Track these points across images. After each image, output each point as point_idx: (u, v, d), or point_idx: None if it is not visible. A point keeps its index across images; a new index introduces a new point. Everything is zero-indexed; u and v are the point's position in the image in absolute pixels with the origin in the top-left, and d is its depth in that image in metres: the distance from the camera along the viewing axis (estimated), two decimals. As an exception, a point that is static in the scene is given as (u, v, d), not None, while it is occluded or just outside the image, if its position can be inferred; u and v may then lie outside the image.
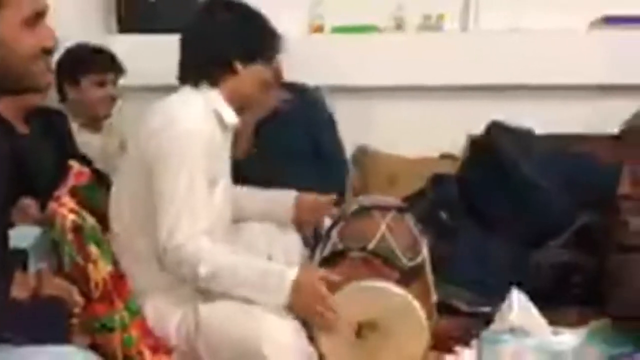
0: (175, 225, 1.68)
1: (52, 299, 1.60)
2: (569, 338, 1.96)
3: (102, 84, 2.49)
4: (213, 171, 1.79)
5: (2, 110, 2.12)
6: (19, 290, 1.51)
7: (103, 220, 1.82)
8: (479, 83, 2.81)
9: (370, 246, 1.83)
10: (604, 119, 2.58)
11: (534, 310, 2.00)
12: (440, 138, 2.83)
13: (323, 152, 2.62)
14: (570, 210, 2.32)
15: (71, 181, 1.81)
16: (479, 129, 2.62)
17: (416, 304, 1.71)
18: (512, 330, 1.96)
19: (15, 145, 2.03)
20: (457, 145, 2.82)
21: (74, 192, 1.80)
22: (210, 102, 1.82)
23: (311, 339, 1.71)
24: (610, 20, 2.77)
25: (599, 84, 2.78)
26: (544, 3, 2.78)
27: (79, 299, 1.65)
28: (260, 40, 1.87)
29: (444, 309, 2.08)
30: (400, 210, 2.02)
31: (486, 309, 2.09)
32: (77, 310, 1.65)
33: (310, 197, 2.09)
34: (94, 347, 1.64)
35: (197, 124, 1.76)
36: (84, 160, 2.18)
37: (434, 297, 1.92)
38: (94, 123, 2.56)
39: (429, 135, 2.82)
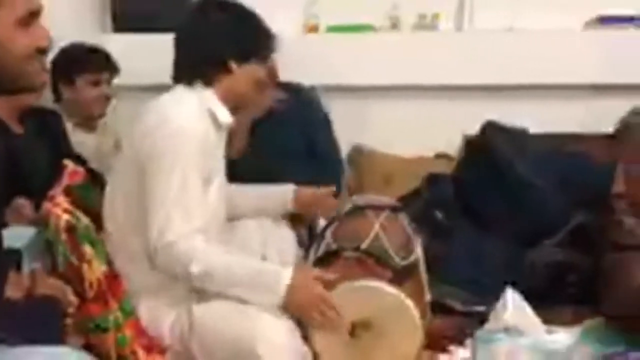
0: (167, 224, 1.67)
1: (46, 299, 1.60)
2: (563, 337, 1.97)
3: (96, 84, 2.49)
4: (207, 170, 1.79)
5: (-4, 110, 2.13)
6: (13, 290, 1.52)
7: (97, 219, 1.82)
8: (474, 83, 2.81)
9: (364, 246, 1.83)
10: (599, 118, 2.59)
11: (528, 310, 2.01)
12: (435, 138, 2.83)
13: (318, 151, 2.61)
14: (565, 210, 2.32)
15: (65, 181, 1.81)
16: (474, 128, 2.62)
17: (409, 303, 1.71)
18: (507, 330, 1.97)
19: (10, 145, 2.04)
20: (452, 144, 2.82)
21: (68, 192, 1.79)
22: (204, 101, 1.82)
23: (305, 338, 1.71)
24: (605, 20, 2.78)
25: (594, 84, 2.79)
26: (538, 3, 2.78)
27: (73, 299, 1.65)
28: (254, 39, 1.87)
29: (439, 308, 2.08)
30: (394, 209, 2.02)
31: (481, 308, 2.10)
32: (71, 310, 1.65)
33: (309, 190, 2.10)
34: (88, 347, 1.65)
35: (191, 122, 1.76)
36: (79, 159, 2.17)
37: (428, 296, 1.92)
38: (89, 122, 2.56)
39: (424, 135, 2.82)
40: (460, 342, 2.01)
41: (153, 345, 1.74)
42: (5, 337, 1.29)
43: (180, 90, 1.84)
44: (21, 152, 2.10)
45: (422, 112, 2.87)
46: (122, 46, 2.66)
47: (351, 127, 2.81)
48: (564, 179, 2.37)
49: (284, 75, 2.64)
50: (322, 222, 2.09)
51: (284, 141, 2.54)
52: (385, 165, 2.78)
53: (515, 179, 2.38)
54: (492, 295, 2.05)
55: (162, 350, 1.75)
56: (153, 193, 1.71)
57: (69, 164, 1.89)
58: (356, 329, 1.72)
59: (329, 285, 1.71)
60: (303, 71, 2.72)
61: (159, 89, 1.89)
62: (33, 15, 1.28)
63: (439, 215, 2.42)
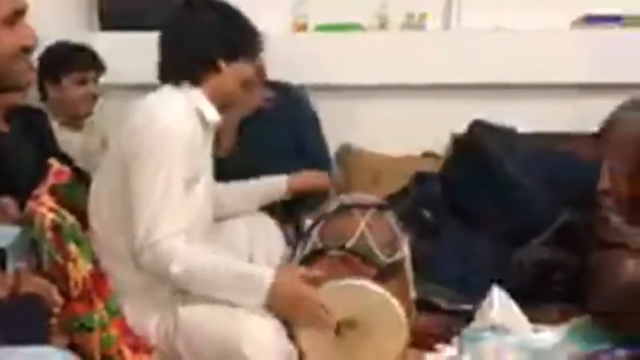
0: (153, 223, 1.67)
1: (31, 298, 1.59)
2: (549, 335, 1.98)
3: (83, 82, 2.48)
4: (194, 169, 1.78)
5: (-18, 109, 2.11)
6: (-3, 290, 1.51)
7: (83, 218, 1.81)
8: (462, 82, 2.82)
9: (349, 244, 1.84)
10: (586, 117, 2.60)
11: (514, 308, 2.02)
12: (423, 137, 2.84)
13: (306, 150, 2.62)
14: (552, 208, 2.33)
15: (51, 180, 1.80)
16: (462, 127, 2.63)
17: (394, 301, 1.71)
18: (493, 328, 1.97)
19: (-5, 144, 2.03)
20: (440, 143, 2.82)
21: (53, 191, 1.78)
22: (191, 100, 1.82)
23: (291, 337, 1.71)
24: (592, 20, 2.79)
25: (581, 83, 2.80)
26: (525, 2, 2.79)
27: (58, 298, 1.64)
28: (242, 38, 1.87)
29: (425, 306, 2.09)
30: (380, 208, 2.02)
31: (467, 307, 2.10)
32: (56, 309, 1.64)
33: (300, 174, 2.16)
34: (72, 347, 1.63)
35: (178, 122, 1.75)
36: (65, 158, 2.17)
37: (413, 294, 1.93)
38: (75, 121, 2.55)
39: (412, 134, 2.83)
40: (447, 341, 2.01)
41: (139, 345, 1.73)
42: (-11, 337, 1.29)
43: (168, 90, 1.83)
44: (7, 150, 2.09)
45: (410, 111, 2.88)
46: (109, 45, 2.65)
47: (339, 126, 2.81)
48: (552, 178, 2.38)
49: (273, 74, 2.64)
50: (308, 222, 2.09)
51: (272, 140, 2.54)
52: (373, 164, 2.79)
53: (503, 178, 2.39)
54: (479, 294, 2.06)
55: (149, 350, 1.74)
56: (139, 192, 1.71)
57: (55, 163, 1.88)
58: (341, 328, 1.73)
59: (314, 283, 1.71)
60: (291, 70, 2.72)
61: (146, 87, 1.88)
62: (18, 14, 1.28)
63: (426, 213, 2.42)
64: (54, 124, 2.46)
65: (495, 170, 2.39)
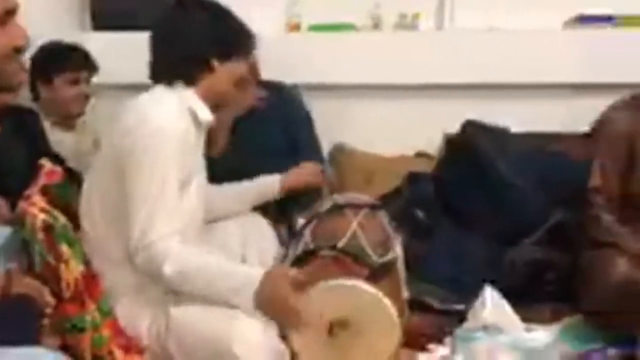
0: (149, 224, 1.67)
1: (22, 299, 1.59)
2: (542, 335, 1.98)
3: (75, 82, 2.47)
4: (186, 170, 1.78)
5: (-27, 109, 2.10)
6: (-12, 291, 1.50)
7: (75, 219, 1.81)
8: (455, 82, 2.82)
9: (341, 244, 1.84)
10: (579, 117, 2.60)
11: (507, 308, 2.02)
12: (416, 136, 2.84)
13: (300, 149, 2.61)
14: (544, 208, 2.34)
15: (42, 180, 1.79)
16: (454, 127, 2.63)
17: (387, 301, 1.71)
18: (486, 328, 1.98)
19: (-14, 144, 2.02)
20: (433, 143, 2.83)
21: (45, 191, 1.78)
22: (184, 100, 1.81)
23: (283, 337, 1.70)
24: (584, 20, 2.80)
25: (574, 83, 2.80)
26: (518, 2, 2.79)
27: (50, 299, 1.64)
28: (234, 36, 1.87)
29: (418, 306, 2.10)
30: (373, 207, 2.02)
31: (460, 307, 2.11)
32: (48, 310, 1.64)
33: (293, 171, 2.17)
34: (64, 348, 1.63)
35: (171, 122, 1.75)
36: (57, 159, 2.16)
37: (405, 294, 1.93)
38: (67, 121, 2.54)
39: (405, 134, 2.83)
40: (440, 341, 2.02)
41: (131, 345, 1.73)
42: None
43: (160, 90, 1.83)
44: (-2, 151, 2.09)
45: (403, 111, 2.88)
46: (101, 44, 2.64)
47: (332, 126, 2.81)
48: (544, 177, 2.38)
49: (266, 74, 2.64)
50: (300, 221, 2.09)
51: (265, 139, 2.54)
52: (366, 164, 2.79)
53: (495, 178, 2.39)
54: (472, 294, 2.06)
55: (141, 350, 1.74)
56: (133, 193, 1.70)
57: (46, 164, 1.87)
58: (334, 328, 1.72)
59: (306, 284, 1.71)
60: (285, 70, 2.71)
61: (139, 87, 1.88)
62: (9, 13, 1.28)
63: (419, 214, 2.43)
64: (46, 124, 2.45)
65: (487, 170, 2.39)
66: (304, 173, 2.23)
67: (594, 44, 2.75)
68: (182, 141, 1.75)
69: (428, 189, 2.50)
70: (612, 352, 1.89)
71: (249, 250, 2.05)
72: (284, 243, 2.15)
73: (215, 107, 1.89)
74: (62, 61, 2.46)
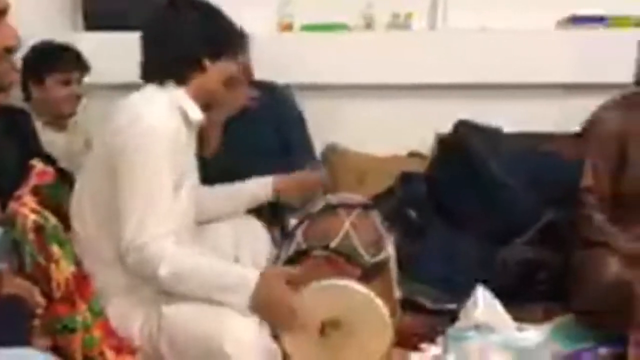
0: (141, 225, 1.66)
1: (13, 299, 1.58)
2: (533, 334, 1.99)
3: (66, 83, 2.46)
4: (178, 170, 1.78)
5: (-36, 109, 2.09)
6: (-21, 291, 1.50)
7: (66, 219, 1.81)
8: (448, 82, 2.82)
9: (333, 244, 1.84)
10: (571, 117, 2.60)
11: (499, 307, 2.03)
12: (408, 136, 2.84)
13: (292, 149, 2.62)
14: (536, 208, 2.35)
15: (33, 180, 1.79)
16: (447, 127, 2.64)
17: (379, 301, 1.71)
18: (477, 327, 1.99)
19: (-23, 145, 2.02)
20: (425, 143, 2.83)
21: (36, 192, 1.78)
22: (175, 99, 1.81)
23: (275, 337, 1.70)
24: (577, 20, 2.81)
25: (566, 83, 2.81)
26: (511, 2, 2.80)
27: (40, 299, 1.63)
28: (226, 36, 1.87)
29: (410, 306, 2.10)
30: (365, 207, 2.03)
31: (452, 306, 2.11)
32: (39, 311, 1.63)
33: (285, 176, 2.12)
34: (55, 348, 1.63)
35: (162, 121, 1.75)
36: (48, 159, 2.15)
37: (398, 294, 1.93)
38: (59, 122, 2.53)
39: (398, 134, 2.84)
40: (432, 340, 2.02)
41: (123, 346, 1.72)
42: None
43: (151, 89, 1.83)
44: (-11, 151, 2.08)
45: (396, 111, 2.88)
46: (93, 44, 2.64)
47: (325, 126, 2.81)
48: (536, 177, 2.39)
49: (259, 74, 2.64)
50: (293, 221, 2.09)
51: (257, 139, 2.54)
52: (358, 164, 2.79)
53: (487, 178, 2.40)
54: (464, 293, 2.07)
55: (133, 351, 1.73)
56: (125, 193, 1.69)
57: (37, 164, 1.87)
58: (326, 328, 1.72)
59: (300, 283, 1.71)
60: (277, 70, 2.72)
61: (130, 87, 1.87)
62: (0, 14, 1.27)
63: (412, 213, 2.43)
64: (38, 124, 2.44)
65: (479, 170, 2.40)
66: (300, 183, 2.17)
67: (586, 44, 2.76)
68: (173, 140, 1.75)
69: (420, 188, 2.51)
70: (603, 351, 1.90)
71: (241, 251, 2.05)
72: (277, 244, 2.15)
73: (206, 106, 1.88)
74: (54, 61, 2.45)
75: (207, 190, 2.04)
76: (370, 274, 1.86)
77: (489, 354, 1.92)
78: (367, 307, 1.72)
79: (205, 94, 1.86)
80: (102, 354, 1.65)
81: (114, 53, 2.51)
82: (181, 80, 1.82)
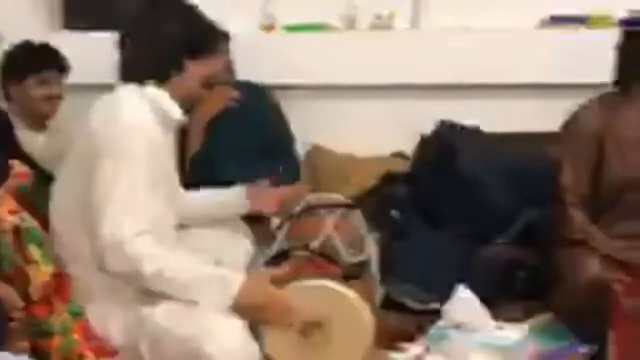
0: (118, 223, 1.64)
1: (-10, 301, 1.57)
2: (513, 333, 2.00)
3: (45, 83, 2.44)
4: (156, 170, 1.76)
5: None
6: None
7: (45, 220, 1.79)
8: (430, 82, 2.83)
9: (315, 245, 1.84)
10: (553, 117, 2.62)
11: (479, 306, 2.04)
12: (391, 137, 2.84)
13: (274, 150, 2.62)
14: (516, 207, 2.36)
15: (11, 181, 1.78)
16: (429, 127, 2.64)
17: (360, 301, 1.72)
18: (458, 326, 1.99)
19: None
20: (408, 143, 2.83)
21: (14, 193, 1.77)
22: (155, 99, 1.80)
23: (256, 338, 1.70)
24: (558, 20, 2.82)
25: (548, 83, 2.82)
26: (493, 3, 2.81)
27: (19, 301, 1.62)
28: (205, 34, 1.86)
29: (392, 305, 2.10)
30: (347, 208, 2.03)
31: (433, 306, 2.12)
32: (17, 313, 1.62)
33: (258, 187, 2.09)
34: (34, 350, 1.62)
35: (141, 120, 1.74)
36: (28, 160, 2.14)
37: (379, 294, 1.93)
38: (38, 122, 2.50)
39: (381, 134, 2.84)
40: (413, 340, 2.03)
41: (103, 348, 1.71)
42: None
43: (129, 89, 1.82)
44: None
45: (379, 111, 2.89)
46: (73, 44, 2.62)
47: (308, 127, 2.81)
48: (516, 177, 2.41)
49: (241, 75, 2.65)
50: (275, 222, 2.09)
51: (239, 140, 2.54)
52: (342, 164, 2.79)
53: (468, 178, 2.41)
54: (445, 293, 2.08)
55: (113, 353, 1.73)
56: (102, 191, 1.68)
57: (16, 165, 1.86)
58: (307, 329, 1.72)
59: (282, 283, 1.71)
60: (260, 71, 2.72)
61: (111, 87, 1.86)
62: None
63: (394, 214, 2.43)
64: (17, 125, 2.43)
65: (460, 170, 2.41)
66: (279, 199, 2.10)
67: (569, 44, 2.77)
68: (150, 140, 1.74)
69: (403, 189, 2.51)
70: (582, 350, 1.91)
71: (223, 251, 2.04)
72: (259, 245, 2.14)
73: (186, 106, 1.87)
74: (33, 61, 2.43)
75: (184, 195, 2.03)
76: (351, 275, 1.87)
77: (469, 353, 1.92)
78: (348, 307, 1.72)
79: (185, 93, 1.85)
80: (81, 356, 1.64)
81: (95, 53, 2.48)
82: (160, 79, 1.81)
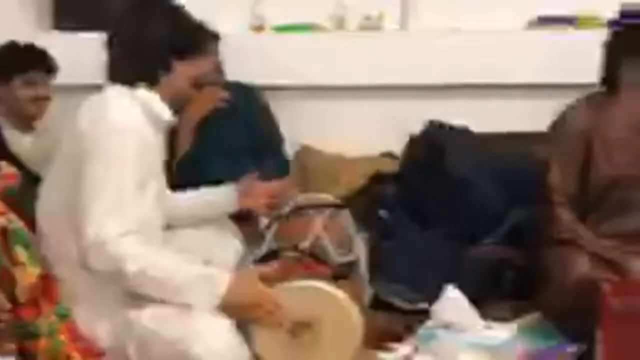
0: (103, 223, 1.64)
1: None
2: (501, 332, 2.01)
3: (32, 83, 2.43)
4: (144, 171, 1.76)
5: None
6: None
7: (31, 222, 1.79)
8: (419, 82, 2.84)
9: (304, 245, 1.84)
10: (541, 117, 2.63)
11: (468, 306, 2.04)
12: (380, 137, 2.85)
13: (263, 150, 2.62)
14: (505, 207, 2.36)
15: (-1, 182, 1.77)
16: (418, 127, 2.64)
17: (349, 301, 1.72)
18: (447, 326, 2.00)
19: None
20: (397, 144, 2.83)
21: (1, 194, 1.76)
22: (143, 99, 1.80)
23: (245, 339, 1.70)
24: (547, 21, 2.84)
25: (536, 83, 2.83)
26: (482, 3, 2.82)
27: (5, 303, 1.61)
28: (192, 34, 1.87)
29: (381, 305, 2.11)
30: (336, 208, 2.03)
31: (422, 306, 2.12)
32: (4, 315, 1.61)
33: (247, 182, 2.09)
34: (21, 352, 1.61)
35: (131, 121, 1.74)
36: (15, 160, 2.13)
37: (368, 294, 1.94)
38: (25, 123, 2.49)
39: (370, 134, 2.85)
40: (402, 340, 2.03)
41: (90, 349, 1.71)
42: None
43: (117, 89, 1.81)
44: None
45: (368, 112, 2.89)
46: (62, 44, 2.62)
47: (298, 127, 2.82)
48: (505, 177, 2.41)
49: (231, 75, 2.65)
50: (264, 221, 2.09)
51: (228, 140, 2.55)
52: (331, 165, 2.79)
53: (457, 178, 2.41)
54: (434, 293, 2.08)
55: (99, 354, 1.72)
56: (89, 192, 1.68)
57: (3, 166, 1.85)
58: (296, 329, 1.72)
59: (271, 281, 1.71)
60: (249, 71, 2.73)
61: (100, 88, 1.86)
62: None
63: (383, 214, 2.43)
64: (5, 126, 2.41)
65: (449, 170, 2.41)
66: (267, 193, 2.11)
67: (557, 44, 2.78)
68: (139, 141, 1.73)
69: (392, 189, 2.51)
70: (570, 349, 1.92)
71: (213, 252, 2.03)
72: (248, 245, 2.14)
73: (176, 106, 1.87)
74: (20, 62, 2.43)
75: (172, 196, 2.02)
76: (340, 275, 1.87)
77: (457, 353, 1.93)
78: (337, 307, 1.72)
79: (174, 94, 1.85)
80: (68, 357, 1.64)
81: (83, 53, 2.47)
82: (149, 80, 1.81)
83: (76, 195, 1.70)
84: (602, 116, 2.12)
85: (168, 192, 1.99)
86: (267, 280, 1.71)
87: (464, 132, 2.61)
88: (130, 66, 1.82)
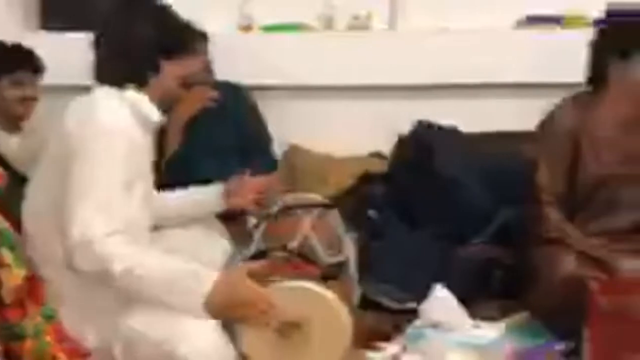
0: (88, 222, 1.62)
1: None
2: (489, 332, 2.01)
3: (20, 84, 2.42)
4: (132, 172, 1.75)
5: None
6: None
7: (18, 223, 1.77)
8: (407, 82, 2.84)
9: (292, 245, 1.84)
10: (530, 116, 2.64)
11: (456, 305, 2.05)
12: (369, 137, 2.85)
13: (251, 150, 2.62)
14: (493, 207, 2.37)
15: (-17, 183, 1.76)
16: (407, 127, 2.65)
17: (338, 302, 1.71)
18: (435, 326, 2.00)
19: None
20: (386, 144, 2.84)
21: (-14, 195, 1.75)
22: (135, 102, 1.79)
23: (231, 338, 1.69)
24: (535, 20, 2.85)
25: (525, 82, 2.84)
26: (470, 3, 2.83)
27: (-10, 305, 1.61)
28: (180, 34, 1.86)
29: (370, 305, 2.10)
30: (325, 208, 2.03)
31: (411, 305, 2.12)
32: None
33: (236, 181, 2.08)
34: (6, 353, 1.60)
35: (119, 122, 1.73)
36: (1, 161, 2.11)
37: (357, 294, 1.93)
38: (12, 123, 2.48)
39: (358, 134, 2.85)
40: (391, 339, 2.03)
41: (76, 350, 1.70)
42: None
43: (105, 90, 1.81)
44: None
45: (356, 112, 2.90)
46: (49, 44, 2.60)
47: (286, 127, 2.82)
48: (493, 176, 2.42)
49: (219, 75, 2.65)
50: (252, 221, 2.09)
51: (216, 140, 2.54)
52: (320, 164, 2.79)
53: (445, 178, 2.42)
54: (422, 292, 2.08)
55: (86, 355, 1.71)
56: (75, 192, 1.66)
57: (-11, 166, 1.84)
58: (285, 329, 1.72)
59: (259, 277, 1.70)
60: (238, 70, 2.72)
61: (87, 89, 1.85)
62: None
63: (372, 213, 2.43)
64: (-9, 126, 2.41)
65: (437, 170, 2.42)
66: (253, 188, 2.11)
67: (546, 44, 2.79)
68: (127, 142, 1.73)
69: (380, 189, 2.51)
70: (557, 347, 1.92)
71: (200, 252, 2.03)
72: (236, 246, 2.14)
73: (164, 106, 1.87)
74: (6, 62, 2.41)
75: (158, 196, 2.01)
76: (329, 275, 1.87)
77: (446, 352, 1.93)
78: (326, 307, 1.71)
79: (163, 94, 1.85)
80: (54, 358, 1.63)
81: (71, 53, 2.46)
82: (137, 80, 1.81)
83: (62, 195, 1.69)
84: (589, 115, 2.13)
85: (155, 192, 1.98)
86: (255, 276, 1.69)
87: (453, 132, 2.61)
88: (117, 66, 1.82)
